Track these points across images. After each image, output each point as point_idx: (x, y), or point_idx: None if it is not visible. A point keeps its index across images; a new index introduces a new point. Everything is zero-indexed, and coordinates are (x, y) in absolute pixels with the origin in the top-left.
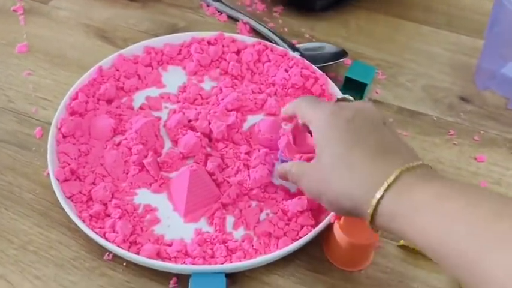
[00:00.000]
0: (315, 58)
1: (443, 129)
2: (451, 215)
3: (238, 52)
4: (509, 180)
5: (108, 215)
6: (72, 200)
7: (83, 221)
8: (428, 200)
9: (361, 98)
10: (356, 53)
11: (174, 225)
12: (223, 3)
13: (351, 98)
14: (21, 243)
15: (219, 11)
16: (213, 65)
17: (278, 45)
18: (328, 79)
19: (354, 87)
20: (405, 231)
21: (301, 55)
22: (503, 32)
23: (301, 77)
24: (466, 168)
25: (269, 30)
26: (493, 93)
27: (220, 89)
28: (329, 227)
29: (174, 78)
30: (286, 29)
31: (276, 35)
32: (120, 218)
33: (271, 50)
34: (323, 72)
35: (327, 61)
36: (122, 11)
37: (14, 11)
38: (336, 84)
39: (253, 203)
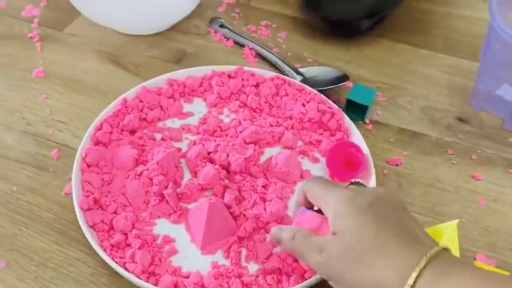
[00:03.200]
0: (317, 82)
1: (442, 149)
2: None
3: (257, 85)
4: (506, 198)
5: (129, 245)
6: (94, 229)
7: (105, 250)
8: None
9: (362, 119)
10: (357, 76)
11: (191, 257)
12: (230, 30)
13: (363, 182)
14: (41, 260)
15: (225, 37)
16: (232, 97)
17: (282, 69)
18: (345, 114)
19: (356, 109)
20: None
21: (304, 80)
22: (497, 57)
23: (318, 111)
24: (465, 187)
25: (274, 55)
26: (489, 114)
27: (239, 122)
28: None
29: (195, 109)
30: (289, 54)
31: (280, 59)
32: (139, 248)
33: (289, 84)
34: (325, 95)
35: (329, 85)
36: (133, 37)
37: (31, 38)
38: (338, 107)
39: (269, 237)
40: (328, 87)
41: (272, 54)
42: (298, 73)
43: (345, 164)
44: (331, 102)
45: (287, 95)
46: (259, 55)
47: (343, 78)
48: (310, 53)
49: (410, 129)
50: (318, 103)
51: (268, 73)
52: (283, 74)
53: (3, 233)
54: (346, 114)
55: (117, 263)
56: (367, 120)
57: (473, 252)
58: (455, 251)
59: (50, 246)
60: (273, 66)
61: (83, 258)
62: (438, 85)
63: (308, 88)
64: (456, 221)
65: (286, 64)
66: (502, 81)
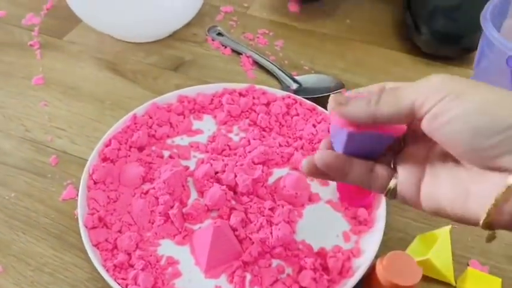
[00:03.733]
0: (313, 89)
1: None
2: None
3: (267, 104)
4: None
5: (132, 266)
6: (98, 248)
7: (107, 270)
8: None
9: None
10: (353, 83)
11: (195, 280)
12: (228, 38)
13: None
14: (37, 265)
15: (223, 45)
16: (242, 115)
17: (279, 77)
18: None
19: None
20: None
21: (300, 86)
22: (490, 66)
23: (329, 133)
24: None
25: (270, 62)
26: None
27: (248, 141)
28: (371, 269)
29: (204, 127)
30: (286, 62)
31: (276, 67)
32: (142, 269)
33: (300, 104)
34: (321, 102)
35: (324, 92)
36: (132, 45)
37: (31, 45)
38: None
39: (274, 262)
40: (323, 94)
41: (269, 62)
42: (295, 81)
43: (356, 188)
44: None
45: (298, 114)
46: (256, 63)
47: (339, 85)
48: (306, 60)
49: None
50: (329, 124)
51: (280, 92)
52: (280, 82)
53: (0, 238)
54: None
55: (119, 284)
56: None
57: (466, 258)
58: (448, 257)
59: (46, 251)
60: (270, 73)
61: (79, 263)
62: None
63: (319, 108)
64: (449, 226)
65: (282, 72)
66: None
